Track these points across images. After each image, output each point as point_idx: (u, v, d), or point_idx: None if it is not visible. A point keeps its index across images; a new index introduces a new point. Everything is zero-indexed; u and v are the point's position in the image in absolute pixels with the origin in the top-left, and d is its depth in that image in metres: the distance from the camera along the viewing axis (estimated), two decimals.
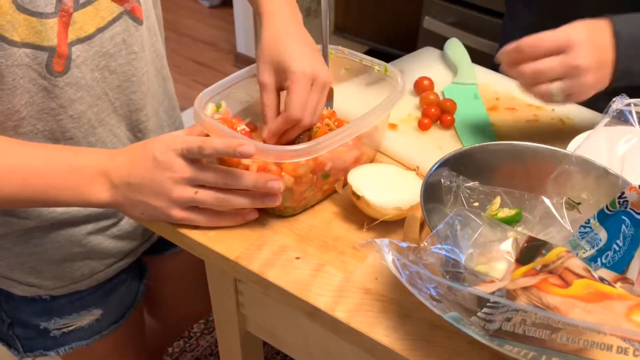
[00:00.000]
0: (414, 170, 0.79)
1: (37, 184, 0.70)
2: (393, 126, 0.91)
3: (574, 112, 0.96)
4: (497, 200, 0.71)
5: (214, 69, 3.03)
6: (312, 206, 0.78)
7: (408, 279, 0.54)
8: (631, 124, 0.70)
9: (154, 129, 0.94)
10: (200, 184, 0.69)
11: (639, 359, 0.45)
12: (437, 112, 0.93)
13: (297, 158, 0.69)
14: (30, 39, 0.71)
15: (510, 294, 0.50)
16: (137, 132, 0.90)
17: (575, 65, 0.73)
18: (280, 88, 0.77)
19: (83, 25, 0.76)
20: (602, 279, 0.52)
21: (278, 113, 0.77)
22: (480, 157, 0.72)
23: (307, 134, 0.79)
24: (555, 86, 0.74)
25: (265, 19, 0.80)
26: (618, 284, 0.55)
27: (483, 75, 1.05)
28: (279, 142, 0.77)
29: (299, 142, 0.78)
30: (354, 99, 0.88)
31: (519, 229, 0.69)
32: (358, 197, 0.72)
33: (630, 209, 0.61)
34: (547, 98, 0.76)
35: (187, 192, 0.69)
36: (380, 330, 0.62)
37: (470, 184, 0.71)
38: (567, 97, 0.76)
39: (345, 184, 0.76)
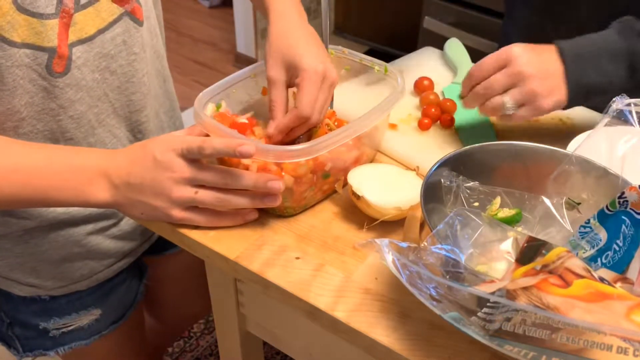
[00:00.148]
0: (414, 170, 0.79)
1: (37, 184, 0.70)
2: (393, 126, 0.91)
3: (574, 112, 0.96)
4: (497, 200, 0.71)
5: (214, 69, 3.03)
6: (312, 206, 0.78)
7: (408, 279, 0.54)
8: (631, 124, 0.70)
9: (154, 130, 0.94)
10: (200, 184, 0.69)
11: (639, 359, 0.45)
12: (437, 112, 0.93)
13: (297, 158, 0.69)
14: (30, 39, 0.71)
15: (510, 294, 0.50)
16: (137, 133, 0.90)
17: (517, 72, 0.77)
18: (289, 85, 0.77)
19: (84, 26, 0.76)
20: (602, 279, 0.52)
21: (286, 109, 0.77)
22: (480, 157, 0.72)
23: (307, 133, 0.79)
24: (506, 97, 0.78)
25: (272, 17, 0.80)
26: (618, 284, 0.55)
27: None
28: (282, 140, 0.77)
29: (299, 142, 0.78)
30: (354, 99, 0.88)
31: (519, 229, 0.69)
32: (358, 197, 0.72)
33: (630, 209, 0.61)
34: (500, 110, 0.79)
35: (187, 192, 0.69)
36: (380, 330, 0.62)
37: (470, 184, 0.71)
38: (521, 109, 0.78)
39: (345, 184, 0.76)
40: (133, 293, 1.05)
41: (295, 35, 0.78)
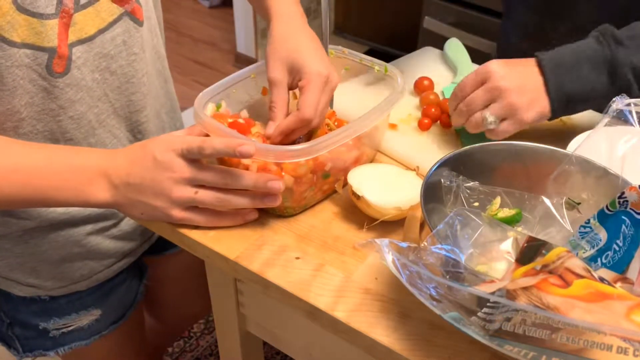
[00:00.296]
0: (414, 170, 0.79)
1: (37, 184, 0.70)
2: (393, 126, 0.91)
3: None
4: (497, 200, 0.71)
5: (214, 69, 3.03)
6: (312, 206, 0.78)
7: (408, 279, 0.54)
8: (631, 124, 0.70)
9: (154, 130, 0.94)
10: (200, 184, 0.69)
11: (639, 359, 0.45)
12: (437, 112, 0.93)
13: (297, 158, 0.69)
14: (30, 39, 0.71)
15: (510, 294, 0.50)
16: (137, 134, 0.90)
17: (495, 87, 0.79)
18: (290, 86, 0.77)
19: (83, 27, 0.76)
20: (602, 279, 0.52)
21: (286, 111, 0.77)
22: (480, 157, 0.72)
23: (306, 134, 0.79)
24: (486, 112, 0.79)
25: (274, 18, 0.80)
26: (618, 284, 0.55)
27: None
28: (281, 141, 0.77)
29: (298, 142, 0.78)
30: (354, 99, 0.88)
31: (519, 229, 0.69)
32: (358, 197, 0.72)
33: (630, 209, 0.61)
34: (482, 125, 0.80)
35: (187, 192, 0.69)
36: (380, 330, 0.62)
37: (470, 184, 0.71)
38: (503, 123, 0.80)
39: (345, 184, 0.76)
40: (133, 293, 1.05)
41: (298, 37, 0.78)
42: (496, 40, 1.23)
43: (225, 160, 0.74)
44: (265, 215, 0.75)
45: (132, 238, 0.97)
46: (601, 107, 0.74)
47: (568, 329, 0.46)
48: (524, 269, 0.55)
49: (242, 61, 2.96)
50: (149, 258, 1.09)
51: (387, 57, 0.97)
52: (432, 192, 0.67)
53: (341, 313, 0.64)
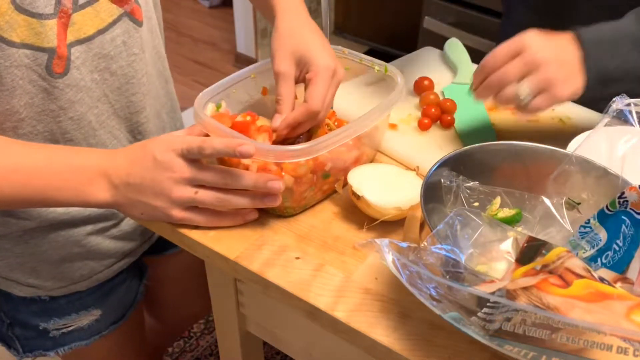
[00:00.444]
0: (414, 170, 0.79)
1: (37, 184, 0.70)
2: (393, 126, 0.91)
3: (574, 112, 0.96)
4: (497, 200, 0.71)
5: (214, 69, 3.03)
6: (312, 206, 0.78)
7: (408, 279, 0.54)
8: (631, 124, 0.70)
9: (155, 131, 0.94)
10: (200, 184, 0.69)
11: (639, 359, 0.45)
12: (437, 112, 0.93)
13: (297, 158, 0.69)
14: (29, 39, 0.71)
15: (510, 294, 0.50)
16: (137, 134, 0.90)
17: (532, 60, 0.74)
18: (296, 80, 0.77)
19: (82, 27, 0.75)
20: (602, 279, 0.52)
21: (293, 104, 0.76)
22: (480, 157, 0.72)
23: (307, 134, 0.79)
24: (522, 85, 0.75)
25: (279, 14, 0.80)
26: (618, 284, 0.55)
27: None
28: (285, 136, 0.77)
29: (298, 142, 0.78)
30: (354, 99, 0.88)
31: (519, 229, 0.69)
32: (358, 197, 0.72)
33: (630, 209, 0.61)
34: (515, 99, 0.76)
35: (187, 192, 0.69)
36: (380, 330, 0.62)
37: (470, 184, 0.71)
38: (537, 98, 0.75)
39: (345, 184, 0.76)
40: (133, 293, 1.05)
41: (304, 31, 0.78)
42: (496, 40, 1.24)
43: (225, 160, 0.74)
44: (265, 215, 0.75)
45: (132, 238, 0.97)
46: (634, 89, 0.71)
47: (568, 329, 0.46)
48: (524, 269, 0.55)
49: (242, 61, 2.96)
50: (149, 258, 1.09)
51: (387, 57, 0.97)
52: (432, 192, 0.67)
53: (341, 313, 0.64)
